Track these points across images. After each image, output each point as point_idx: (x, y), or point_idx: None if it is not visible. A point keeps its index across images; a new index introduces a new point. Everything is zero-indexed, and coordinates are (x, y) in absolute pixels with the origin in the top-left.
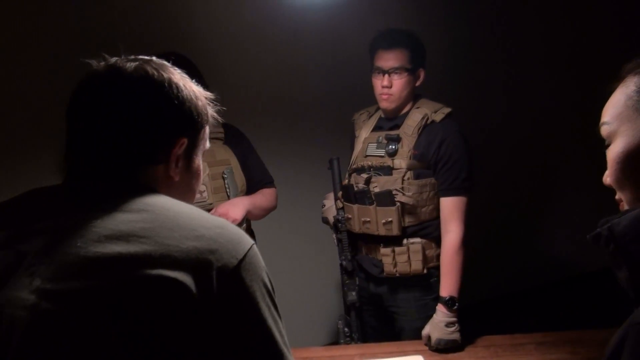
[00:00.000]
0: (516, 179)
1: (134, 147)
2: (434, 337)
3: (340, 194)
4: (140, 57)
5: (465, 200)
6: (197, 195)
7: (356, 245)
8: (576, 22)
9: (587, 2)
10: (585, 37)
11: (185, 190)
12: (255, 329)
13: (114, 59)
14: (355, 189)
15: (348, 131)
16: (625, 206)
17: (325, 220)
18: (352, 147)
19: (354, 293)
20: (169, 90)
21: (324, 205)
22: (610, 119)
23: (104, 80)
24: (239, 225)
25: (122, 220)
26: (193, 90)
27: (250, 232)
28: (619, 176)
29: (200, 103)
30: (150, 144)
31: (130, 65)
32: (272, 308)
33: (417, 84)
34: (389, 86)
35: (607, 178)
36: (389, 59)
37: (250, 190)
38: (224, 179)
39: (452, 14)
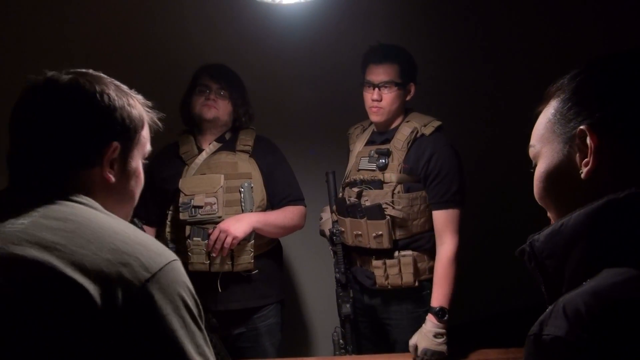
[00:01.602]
0: (512, 194)
1: (67, 152)
2: (420, 347)
3: (334, 207)
4: (77, 70)
5: (458, 213)
6: (207, 208)
7: (351, 258)
8: (569, 31)
9: (582, 9)
10: (579, 46)
11: (123, 193)
12: (162, 340)
13: (51, 73)
14: (348, 202)
15: (345, 144)
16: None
17: (322, 233)
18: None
19: (348, 305)
20: (100, 100)
21: (322, 218)
22: (534, 141)
23: (40, 92)
24: (245, 241)
25: (46, 227)
26: (127, 99)
27: (277, 246)
28: (543, 195)
29: (134, 111)
30: (81, 148)
31: (65, 77)
32: (189, 320)
33: (408, 98)
34: (379, 100)
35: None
36: (379, 73)
37: (274, 205)
38: (240, 192)
39: (443, 25)
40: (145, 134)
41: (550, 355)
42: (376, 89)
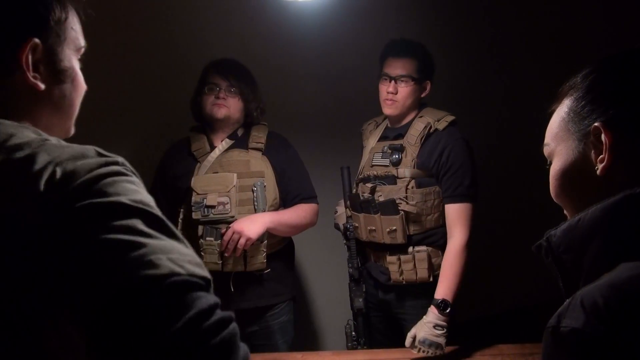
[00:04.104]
0: (526, 190)
1: None
2: (419, 336)
3: (348, 202)
4: None
5: (470, 207)
6: (220, 207)
7: (365, 253)
8: (582, 29)
9: (595, 6)
10: (592, 45)
11: (59, 102)
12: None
13: None
14: (361, 198)
15: (359, 140)
16: None
17: (337, 226)
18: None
19: (360, 299)
20: None
21: (336, 212)
22: (549, 140)
23: None
24: (258, 241)
25: None
26: None
27: (289, 244)
28: (559, 192)
29: None
30: None
31: None
32: None
33: (423, 95)
34: (394, 92)
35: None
36: (397, 67)
37: (286, 204)
38: (253, 191)
39: (458, 23)
40: (74, 25)
41: (568, 346)
42: (392, 82)
